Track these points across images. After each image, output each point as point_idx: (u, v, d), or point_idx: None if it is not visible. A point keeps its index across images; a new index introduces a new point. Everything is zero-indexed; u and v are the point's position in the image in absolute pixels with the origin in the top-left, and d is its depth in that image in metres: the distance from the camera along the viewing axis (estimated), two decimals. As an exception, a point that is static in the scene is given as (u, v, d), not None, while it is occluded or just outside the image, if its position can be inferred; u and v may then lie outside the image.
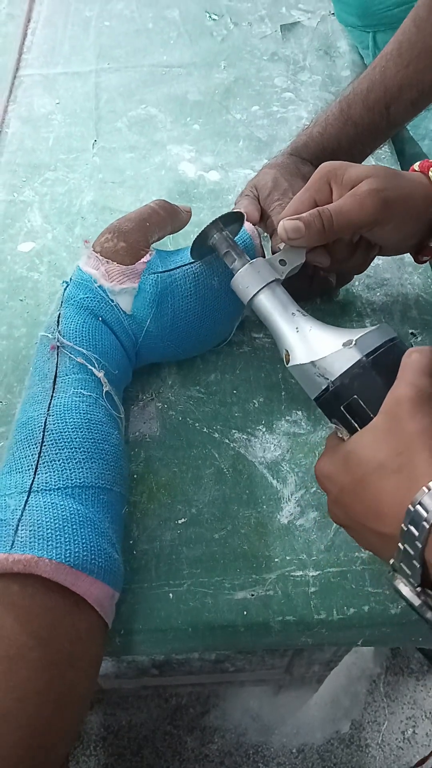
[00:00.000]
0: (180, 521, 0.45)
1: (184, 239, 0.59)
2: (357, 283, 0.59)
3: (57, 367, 0.43)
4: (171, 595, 0.42)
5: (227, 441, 0.49)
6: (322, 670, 0.89)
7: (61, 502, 0.37)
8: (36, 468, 0.38)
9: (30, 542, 0.34)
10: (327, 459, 0.38)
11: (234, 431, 0.50)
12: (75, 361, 0.44)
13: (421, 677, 1.12)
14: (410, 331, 0.56)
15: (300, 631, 0.42)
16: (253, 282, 0.44)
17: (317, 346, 0.40)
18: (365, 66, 0.80)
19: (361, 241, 0.50)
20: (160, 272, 0.47)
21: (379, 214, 0.44)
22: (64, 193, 0.67)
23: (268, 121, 0.75)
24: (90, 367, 0.44)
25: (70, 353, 0.44)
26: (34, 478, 0.38)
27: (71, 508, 0.37)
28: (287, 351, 0.42)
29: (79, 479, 0.39)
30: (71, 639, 0.35)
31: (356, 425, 0.37)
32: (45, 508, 0.36)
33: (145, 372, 0.52)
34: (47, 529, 0.35)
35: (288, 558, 0.44)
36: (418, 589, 0.32)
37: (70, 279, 0.48)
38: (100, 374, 0.44)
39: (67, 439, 0.40)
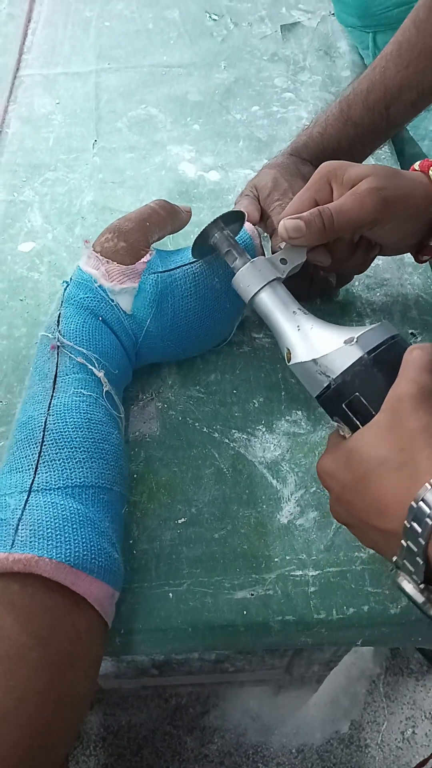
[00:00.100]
0: (180, 521, 0.45)
1: (184, 239, 0.59)
2: (357, 283, 0.59)
3: (57, 366, 0.43)
4: (171, 594, 0.42)
5: (227, 441, 0.49)
6: (322, 670, 0.89)
7: (62, 502, 0.37)
8: (36, 467, 0.38)
9: (30, 542, 0.35)
10: (329, 457, 0.38)
11: (234, 431, 0.50)
12: (75, 361, 0.44)
13: (420, 678, 1.12)
14: (410, 331, 0.56)
15: (300, 630, 0.42)
16: (255, 280, 0.44)
17: (319, 344, 0.40)
18: (365, 66, 0.80)
19: (362, 240, 0.50)
20: (160, 272, 0.47)
21: (379, 213, 0.45)
22: (64, 193, 0.67)
23: (268, 122, 0.75)
24: (90, 366, 0.44)
25: (71, 353, 0.44)
26: (34, 477, 0.38)
27: (71, 508, 0.37)
28: (288, 349, 0.42)
29: (79, 479, 0.39)
30: (71, 638, 0.35)
31: (358, 423, 0.37)
32: (45, 507, 0.36)
33: (145, 372, 0.52)
34: (47, 528, 0.35)
35: (288, 558, 0.44)
36: (422, 586, 0.32)
37: (71, 279, 0.48)
38: (100, 374, 0.44)
39: (68, 438, 0.40)
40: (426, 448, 0.32)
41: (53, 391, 0.42)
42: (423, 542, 0.30)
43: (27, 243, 0.62)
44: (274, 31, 0.87)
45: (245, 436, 0.49)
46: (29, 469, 0.38)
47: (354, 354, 0.38)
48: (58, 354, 0.44)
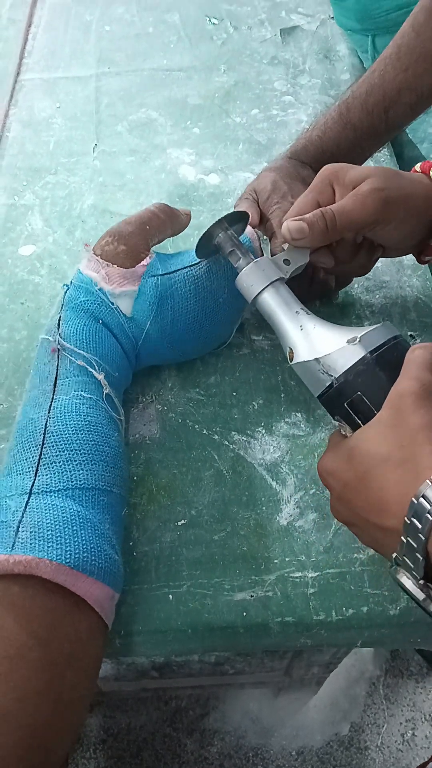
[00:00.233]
0: (180, 523, 0.46)
1: (183, 242, 0.59)
2: (356, 285, 0.59)
3: (57, 369, 0.43)
4: (171, 596, 0.43)
5: (227, 443, 0.49)
6: (322, 672, 0.89)
7: (62, 504, 0.37)
8: (36, 470, 0.38)
9: (31, 543, 0.35)
10: (330, 455, 0.38)
11: (233, 433, 0.50)
12: (75, 364, 0.44)
13: (420, 679, 1.12)
14: (409, 333, 0.56)
15: (299, 632, 0.42)
16: (258, 280, 0.44)
17: (321, 343, 0.40)
18: (364, 69, 0.80)
19: (365, 242, 0.50)
20: (160, 275, 0.47)
21: (380, 214, 0.45)
22: (64, 197, 0.67)
23: (267, 125, 0.75)
24: (90, 369, 0.44)
25: (71, 356, 0.44)
26: (34, 479, 0.38)
27: (71, 510, 0.37)
28: (291, 349, 0.42)
29: (80, 481, 0.39)
30: (71, 639, 0.35)
31: (359, 422, 0.38)
32: (45, 509, 0.37)
33: (145, 374, 0.52)
34: (48, 530, 0.36)
35: (287, 559, 0.44)
36: (421, 582, 0.32)
37: (71, 282, 0.48)
38: (101, 377, 0.44)
39: (68, 441, 0.40)
40: (427, 445, 0.32)
41: (53, 394, 0.42)
42: (423, 538, 0.31)
43: (27, 246, 0.63)
44: (273, 35, 0.87)
45: (245, 438, 0.50)
46: (30, 472, 0.38)
47: (357, 353, 0.38)
48: (58, 357, 0.44)
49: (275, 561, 0.44)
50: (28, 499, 0.37)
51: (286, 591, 0.43)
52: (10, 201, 0.67)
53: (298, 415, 0.51)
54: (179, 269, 0.48)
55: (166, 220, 0.50)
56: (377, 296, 0.59)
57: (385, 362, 0.38)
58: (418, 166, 0.50)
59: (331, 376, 0.39)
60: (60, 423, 0.40)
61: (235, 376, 0.53)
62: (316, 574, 0.44)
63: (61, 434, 0.40)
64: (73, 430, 0.40)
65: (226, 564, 0.44)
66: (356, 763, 1.04)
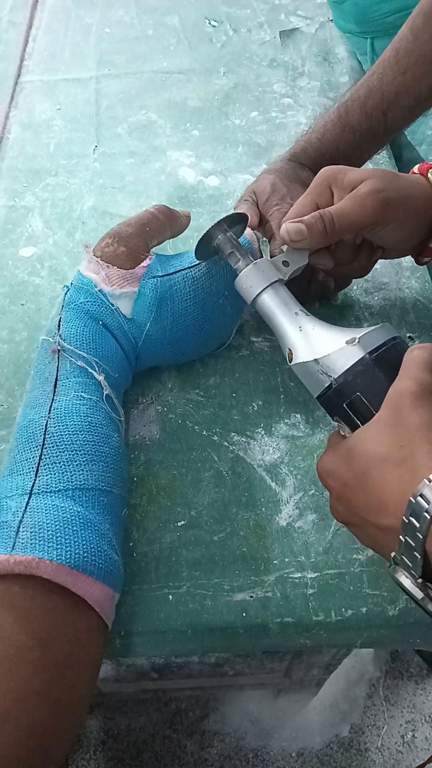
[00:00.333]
0: (179, 523, 0.46)
1: (183, 244, 0.59)
2: (355, 287, 0.60)
3: (58, 370, 0.44)
4: (170, 596, 0.43)
5: (226, 444, 0.50)
6: (322, 673, 0.89)
7: (62, 504, 0.38)
8: (37, 470, 0.39)
9: (31, 543, 0.35)
10: (329, 456, 0.38)
11: (233, 434, 0.50)
12: (75, 365, 0.44)
13: (420, 681, 1.12)
14: (408, 334, 0.56)
15: (298, 632, 0.42)
16: (257, 281, 0.44)
17: (320, 344, 0.40)
18: (363, 72, 0.81)
19: (364, 243, 0.51)
20: (160, 276, 0.47)
21: (379, 215, 0.45)
22: (64, 199, 0.68)
23: (267, 127, 0.75)
24: (90, 370, 0.44)
25: (71, 357, 0.44)
26: (35, 480, 0.38)
27: (72, 510, 0.37)
28: (290, 349, 0.42)
29: (80, 481, 0.39)
30: (71, 640, 0.35)
31: (358, 422, 0.38)
32: (46, 509, 0.37)
33: (145, 375, 0.53)
34: (48, 530, 0.36)
35: (287, 560, 0.44)
36: (420, 581, 0.32)
37: (71, 283, 0.48)
38: (101, 377, 0.44)
39: (68, 441, 0.40)
40: (425, 445, 0.32)
41: (54, 395, 0.42)
42: (421, 537, 0.31)
43: (28, 248, 0.63)
44: (273, 37, 0.87)
45: (244, 439, 0.50)
46: (30, 472, 0.39)
47: (356, 354, 0.38)
48: (58, 358, 0.44)
49: (275, 562, 0.44)
50: (29, 499, 0.37)
51: (286, 592, 0.43)
52: (10, 203, 0.67)
53: (298, 416, 0.51)
54: (179, 270, 0.48)
55: (166, 222, 0.50)
56: (376, 298, 0.59)
57: (384, 363, 0.38)
58: (416, 168, 0.50)
59: (330, 376, 0.39)
60: (60, 424, 0.41)
61: (235, 377, 0.53)
62: (316, 574, 0.44)
63: (62, 435, 0.40)
64: (73, 431, 0.40)
65: (226, 565, 0.44)
66: (356, 765, 1.03)
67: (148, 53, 0.85)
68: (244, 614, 0.42)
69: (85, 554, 0.36)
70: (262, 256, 0.51)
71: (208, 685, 0.99)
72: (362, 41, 0.82)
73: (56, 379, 0.43)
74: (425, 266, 0.60)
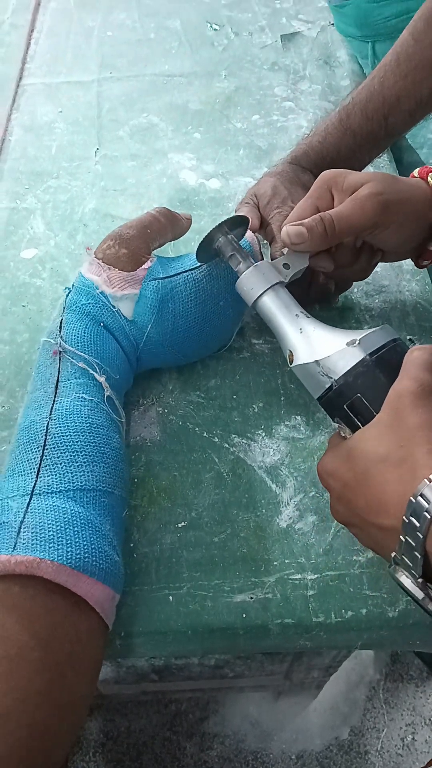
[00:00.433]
0: (180, 525, 0.46)
1: (184, 246, 0.60)
2: (356, 289, 0.60)
3: (59, 372, 0.44)
4: (171, 597, 0.43)
5: (227, 445, 0.50)
6: (322, 675, 0.89)
7: (63, 505, 0.38)
8: (38, 471, 0.39)
9: (32, 544, 0.35)
10: (329, 456, 0.38)
11: (234, 436, 0.50)
12: (77, 366, 0.44)
13: (420, 684, 1.12)
14: (408, 337, 0.57)
15: (298, 633, 0.43)
16: (258, 284, 0.45)
17: (321, 345, 0.41)
18: (364, 76, 0.81)
19: (364, 246, 0.51)
20: (161, 278, 0.48)
21: (379, 217, 0.45)
22: (66, 201, 0.68)
23: (268, 130, 0.76)
24: (91, 372, 0.44)
25: (72, 358, 0.44)
26: (36, 481, 0.38)
27: (73, 511, 0.38)
28: (291, 351, 0.43)
29: (81, 482, 0.39)
30: (72, 640, 0.35)
31: (359, 423, 0.38)
32: (47, 510, 0.37)
33: (145, 377, 0.53)
34: (49, 531, 0.36)
35: (287, 561, 0.44)
36: (420, 580, 0.32)
37: (72, 285, 0.48)
38: (102, 379, 0.44)
39: (69, 442, 0.40)
40: (425, 445, 0.32)
41: (55, 396, 0.42)
42: (421, 536, 0.31)
43: (29, 250, 0.63)
44: (274, 41, 0.88)
45: (245, 441, 0.50)
46: (31, 473, 0.39)
47: (356, 355, 0.38)
48: (60, 359, 0.44)
49: (275, 563, 0.44)
50: (30, 500, 0.37)
51: (286, 593, 0.43)
52: (12, 204, 0.67)
53: (298, 418, 0.51)
54: (180, 273, 0.48)
55: (167, 224, 0.51)
56: (376, 300, 0.59)
57: (384, 364, 0.38)
58: (416, 172, 0.50)
59: (331, 378, 0.39)
60: (61, 425, 0.41)
61: (236, 379, 0.54)
62: (316, 576, 0.44)
63: (63, 436, 0.40)
64: (74, 432, 0.41)
65: (226, 566, 0.44)
66: (356, 768, 1.03)
67: (149, 56, 0.86)
68: (244, 615, 0.42)
69: (86, 555, 0.36)
70: (263, 259, 0.51)
71: (208, 687, 0.98)
72: (363, 45, 0.82)
73: (57, 381, 0.43)
74: (425, 269, 0.60)
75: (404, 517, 0.32)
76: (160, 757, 1.02)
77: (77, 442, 0.40)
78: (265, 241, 0.57)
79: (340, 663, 0.83)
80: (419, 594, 0.33)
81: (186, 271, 0.48)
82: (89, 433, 0.41)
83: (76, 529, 0.37)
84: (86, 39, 0.88)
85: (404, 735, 1.07)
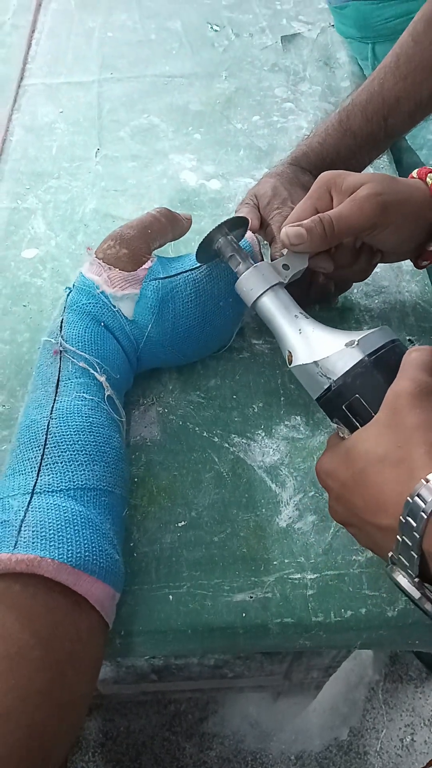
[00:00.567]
0: (180, 524, 0.46)
1: (185, 246, 0.60)
2: (355, 290, 0.60)
3: (59, 371, 0.44)
4: (171, 597, 0.43)
5: (227, 445, 0.50)
6: (321, 676, 0.89)
7: (64, 504, 0.38)
8: (39, 470, 0.39)
9: (33, 542, 0.35)
10: (328, 456, 0.39)
11: (233, 436, 0.50)
12: (77, 366, 0.44)
13: (419, 684, 1.12)
14: (408, 337, 0.57)
15: (298, 633, 0.43)
16: (257, 284, 0.45)
17: (320, 346, 0.41)
18: (364, 77, 0.81)
19: (363, 247, 0.51)
20: (162, 278, 0.48)
21: (378, 218, 0.46)
22: (67, 201, 0.68)
23: (268, 131, 0.76)
24: (92, 371, 0.44)
25: (73, 358, 0.44)
26: (36, 479, 0.38)
27: (73, 510, 0.38)
28: (290, 352, 0.43)
29: (81, 481, 0.39)
30: (72, 638, 0.35)
31: (357, 424, 0.38)
32: (47, 509, 0.37)
33: (146, 377, 0.53)
34: (50, 529, 0.36)
35: (286, 561, 0.44)
36: (416, 580, 0.33)
37: (73, 285, 0.48)
38: (102, 378, 0.44)
39: (70, 441, 0.40)
40: (422, 445, 0.32)
41: (56, 395, 0.43)
42: (417, 536, 0.31)
43: (30, 250, 0.63)
44: (274, 42, 0.88)
45: (245, 441, 0.50)
46: (32, 472, 0.39)
47: (355, 356, 0.39)
48: (60, 359, 0.44)
49: (274, 562, 0.44)
50: (31, 498, 0.37)
51: (285, 592, 0.43)
52: (13, 205, 0.68)
53: (298, 418, 0.51)
54: (180, 273, 0.48)
55: (168, 225, 0.51)
56: (376, 301, 0.59)
57: (382, 365, 0.38)
58: (415, 172, 0.51)
59: (330, 378, 0.39)
60: (62, 424, 0.41)
61: (235, 379, 0.54)
62: (315, 575, 0.44)
63: (63, 435, 0.40)
64: (74, 431, 0.41)
65: (226, 565, 0.44)
66: (355, 768, 1.03)
67: (150, 57, 0.86)
68: (244, 614, 0.42)
69: (87, 553, 0.36)
70: (263, 259, 0.51)
71: (208, 687, 0.99)
72: (363, 46, 0.82)
73: (58, 380, 0.43)
74: (425, 270, 0.60)
75: (401, 517, 0.32)
76: (159, 758, 1.03)
77: (78, 441, 0.40)
78: (265, 242, 0.57)
79: (340, 663, 0.83)
80: (416, 594, 0.33)
81: (186, 272, 0.49)
82: (90, 432, 0.41)
83: (76, 527, 0.37)
84: (87, 40, 0.89)
85: (403, 736, 1.07)
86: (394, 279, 0.61)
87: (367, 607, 0.43)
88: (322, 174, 0.49)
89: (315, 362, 0.40)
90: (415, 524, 0.31)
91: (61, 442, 0.40)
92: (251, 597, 0.43)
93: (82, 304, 0.47)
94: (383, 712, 1.09)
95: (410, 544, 0.32)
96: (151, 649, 0.43)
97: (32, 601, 0.35)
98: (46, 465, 0.39)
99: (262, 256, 0.51)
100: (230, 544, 0.45)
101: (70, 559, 0.35)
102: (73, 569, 0.35)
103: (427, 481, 0.31)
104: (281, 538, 0.46)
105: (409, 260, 0.55)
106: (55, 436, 0.40)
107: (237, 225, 0.48)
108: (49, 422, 0.41)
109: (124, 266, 0.47)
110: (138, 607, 0.42)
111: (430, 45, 0.54)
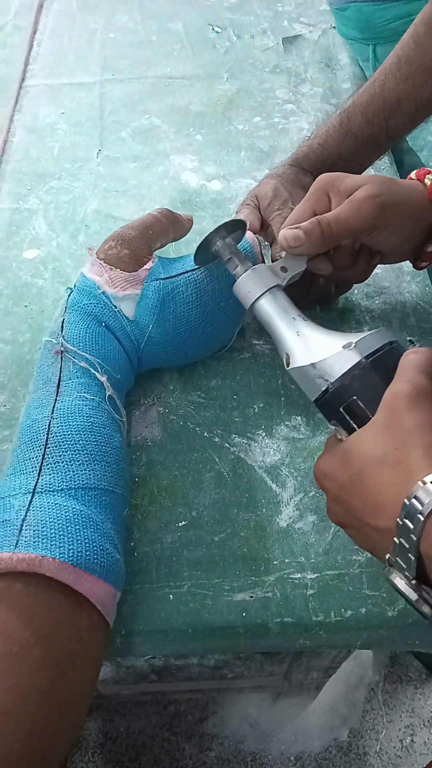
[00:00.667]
0: (180, 524, 0.46)
1: (186, 247, 0.60)
2: (356, 291, 0.60)
3: (61, 371, 0.44)
4: (171, 596, 0.43)
5: (227, 445, 0.50)
6: (321, 676, 0.89)
7: (65, 503, 0.38)
8: (40, 469, 0.39)
9: (34, 542, 0.35)
10: (326, 458, 0.39)
11: (234, 436, 0.50)
12: (78, 366, 0.44)
13: (419, 685, 1.12)
14: (408, 338, 0.57)
15: (298, 632, 0.43)
16: (255, 287, 0.45)
17: (317, 348, 0.41)
18: (365, 78, 0.81)
19: (363, 248, 0.51)
20: (163, 279, 0.48)
21: (376, 219, 0.46)
22: (68, 202, 0.68)
23: (269, 132, 0.76)
24: (93, 371, 0.44)
25: (74, 358, 0.44)
26: (38, 479, 0.38)
27: (74, 509, 0.38)
28: (287, 354, 0.43)
29: (82, 481, 0.39)
30: (73, 638, 0.35)
31: (355, 426, 0.38)
32: (49, 508, 0.37)
33: (147, 377, 0.53)
34: (51, 529, 0.36)
35: (287, 561, 0.45)
36: (413, 582, 0.33)
37: (74, 285, 0.48)
38: (103, 378, 0.45)
39: (71, 441, 0.40)
40: (419, 447, 0.33)
41: (57, 395, 0.43)
42: (415, 538, 0.31)
43: (32, 250, 0.63)
44: (275, 44, 0.88)
45: (245, 441, 0.50)
46: (33, 471, 0.39)
47: (352, 358, 0.39)
48: (61, 359, 0.44)
49: (275, 562, 0.45)
50: (32, 498, 0.38)
51: (286, 592, 0.43)
52: (14, 205, 0.68)
53: (298, 418, 0.51)
54: (181, 273, 0.49)
55: (169, 225, 0.51)
56: (377, 302, 0.60)
57: (380, 367, 0.38)
58: (413, 174, 0.51)
59: (327, 380, 0.39)
60: (63, 424, 0.41)
61: (236, 379, 0.54)
62: (315, 575, 0.44)
63: (64, 435, 0.40)
64: (75, 431, 0.41)
65: (226, 565, 0.44)
66: (355, 769, 1.03)
67: (151, 58, 0.86)
68: (244, 614, 0.42)
69: (88, 553, 0.36)
70: (263, 260, 0.51)
71: (208, 687, 0.99)
72: (364, 48, 0.82)
73: (59, 380, 0.43)
74: (426, 270, 0.60)
75: (398, 519, 0.32)
76: (159, 758, 1.03)
77: (79, 441, 0.41)
78: (266, 243, 0.57)
79: (340, 664, 0.83)
80: (413, 596, 0.33)
81: (187, 272, 0.49)
82: (91, 432, 0.41)
83: (77, 527, 0.37)
84: (89, 41, 0.89)
85: (403, 736, 1.07)
86: (395, 280, 0.61)
87: (367, 606, 0.43)
88: (320, 176, 0.49)
89: (312, 364, 0.40)
90: (412, 526, 0.31)
91: (62, 442, 0.40)
92: (251, 597, 0.43)
93: (84, 305, 0.47)
94: (383, 713, 1.09)
95: (407, 546, 0.32)
96: (152, 648, 0.43)
97: (33, 600, 0.35)
98: (48, 464, 0.39)
99: (262, 257, 0.51)
100: (231, 544, 0.45)
101: (71, 559, 0.35)
102: (74, 568, 0.35)
103: (424, 483, 0.31)
104: (281, 538, 0.46)
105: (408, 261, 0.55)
106: (56, 436, 0.40)
107: (235, 228, 0.48)
108: (50, 422, 0.41)
109: (126, 267, 0.48)
110: (139, 607, 0.43)
111: (431, 47, 0.54)
